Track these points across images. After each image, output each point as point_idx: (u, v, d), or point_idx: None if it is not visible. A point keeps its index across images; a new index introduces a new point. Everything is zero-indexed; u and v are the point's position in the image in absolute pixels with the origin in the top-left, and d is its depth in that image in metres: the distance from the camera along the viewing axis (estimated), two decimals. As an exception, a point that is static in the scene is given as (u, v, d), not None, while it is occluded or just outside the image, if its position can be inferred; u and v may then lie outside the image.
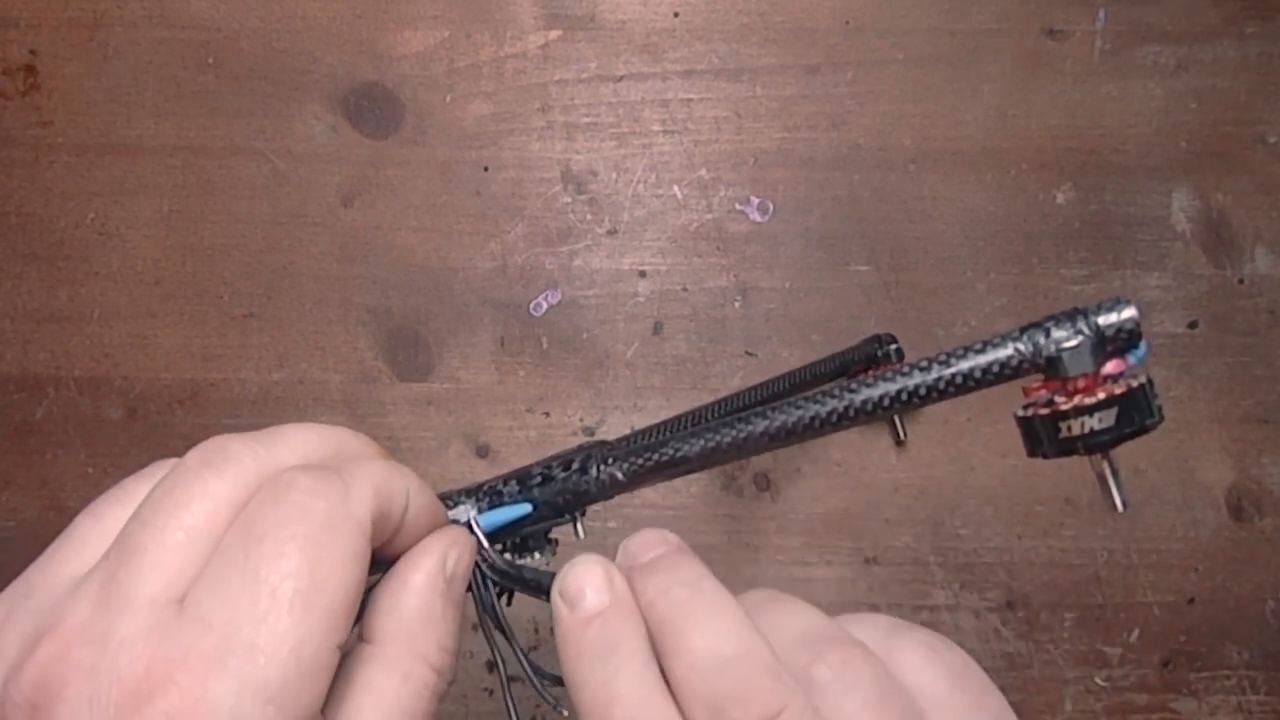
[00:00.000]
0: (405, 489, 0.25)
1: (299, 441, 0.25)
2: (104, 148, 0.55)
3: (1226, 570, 0.53)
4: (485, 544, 0.28)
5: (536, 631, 0.52)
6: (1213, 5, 0.55)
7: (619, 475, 0.28)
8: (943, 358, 0.25)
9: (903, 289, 0.54)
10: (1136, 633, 0.52)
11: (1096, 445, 0.24)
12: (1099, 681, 0.52)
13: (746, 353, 0.54)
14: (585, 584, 0.25)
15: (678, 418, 0.42)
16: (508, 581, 0.28)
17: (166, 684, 0.20)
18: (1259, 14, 0.54)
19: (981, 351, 0.25)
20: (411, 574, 0.25)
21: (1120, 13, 0.54)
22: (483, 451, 0.53)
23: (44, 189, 0.54)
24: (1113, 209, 0.54)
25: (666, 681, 0.23)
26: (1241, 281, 0.54)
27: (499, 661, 0.28)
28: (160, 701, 0.20)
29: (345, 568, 0.22)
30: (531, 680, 0.27)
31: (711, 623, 0.23)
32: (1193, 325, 0.54)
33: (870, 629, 0.25)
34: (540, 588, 0.27)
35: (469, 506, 0.28)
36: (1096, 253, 0.54)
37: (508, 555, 0.29)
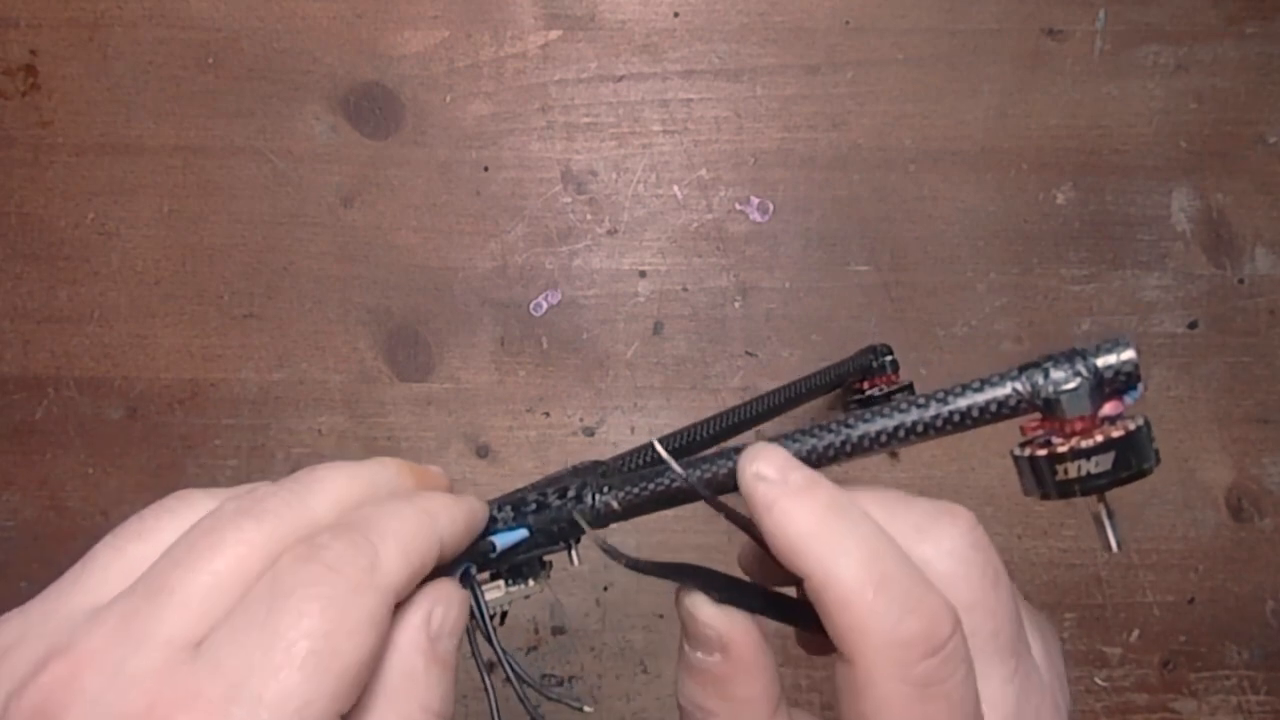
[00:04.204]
0: (438, 538, 0.25)
1: (333, 489, 0.25)
2: (104, 148, 0.55)
3: (1226, 570, 0.53)
4: (481, 598, 0.28)
5: (536, 632, 0.52)
6: (1213, 5, 0.55)
7: (614, 505, 0.28)
8: (940, 394, 0.25)
9: (903, 289, 0.54)
10: (1136, 633, 0.52)
11: (1093, 488, 0.24)
12: (1099, 681, 0.52)
13: (746, 353, 0.54)
14: (783, 462, 0.25)
15: (672, 436, 0.41)
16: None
17: None
18: (1259, 14, 0.54)
19: (980, 390, 0.25)
20: (392, 634, 0.24)
21: (1120, 13, 0.54)
22: (483, 451, 0.53)
23: (44, 189, 0.54)
24: (1113, 209, 0.54)
25: None
26: (1241, 281, 0.54)
27: (505, 665, 0.28)
28: None
29: (362, 635, 0.22)
30: (519, 692, 0.27)
31: (863, 488, 0.25)
32: (1193, 325, 0.54)
33: (900, 510, 0.26)
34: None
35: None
36: (1096, 253, 0.54)
37: (501, 582, 0.29)
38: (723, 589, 0.26)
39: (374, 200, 0.54)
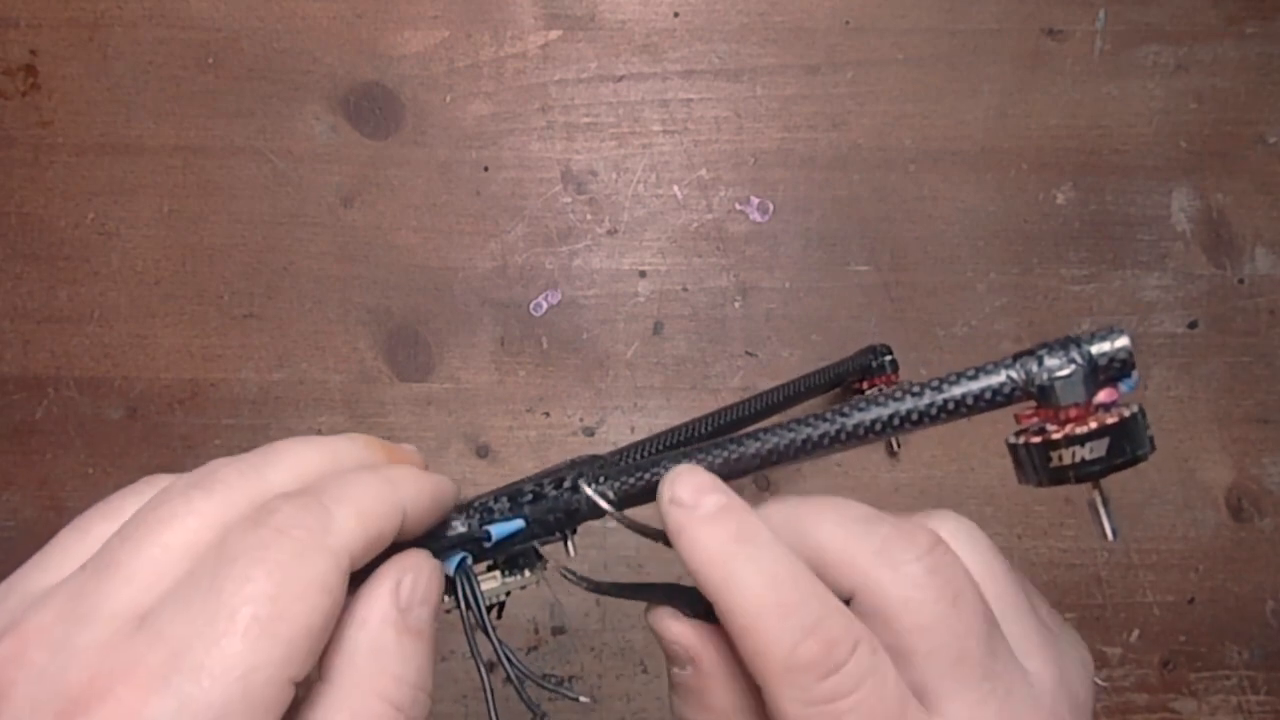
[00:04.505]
0: (399, 505, 0.24)
1: (293, 461, 0.24)
2: (104, 148, 0.55)
3: (1226, 570, 0.53)
4: (474, 583, 0.27)
5: (536, 632, 0.52)
6: (1213, 5, 0.55)
7: (610, 495, 0.28)
8: (935, 383, 0.26)
9: (903, 289, 0.54)
10: (1136, 633, 0.52)
11: (1087, 475, 0.24)
12: (1099, 682, 0.52)
13: (746, 353, 0.54)
14: (700, 486, 0.25)
15: (671, 431, 0.41)
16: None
17: (106, 695, 0.20)
18: (1259, 14, 0.54)
19: (974, 378, 0.25)
20: (360, 607, 0.23)
21: (1120, 13, 0.54)
22: (483, 451, 0.53)
23: (44, 189, 0.54)
24: (1113, 209, 0.54)
25: None
26: (1241, 281, 0.54)
27: (501, 657, 0.28)
28: (97, 712, 0.19)
29: (311, 599, 0.21)
30: (518, 689, 0.27)
31: (827, 507, 0.25)
32: (1193, 325, 0.54)
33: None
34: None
35: (460, 521, 0.28)
36: (1096, 253, 0.54)
37: (498, 573, 0.29)
38: (690, 603, 0.26)
39: (374, 200, 0.54)
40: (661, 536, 0.26)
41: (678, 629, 0.26)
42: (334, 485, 0.24)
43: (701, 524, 0.25)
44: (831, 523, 0.25)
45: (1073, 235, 0.54)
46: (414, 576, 0.24)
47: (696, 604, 0.26)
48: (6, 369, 0.54)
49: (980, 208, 0.54)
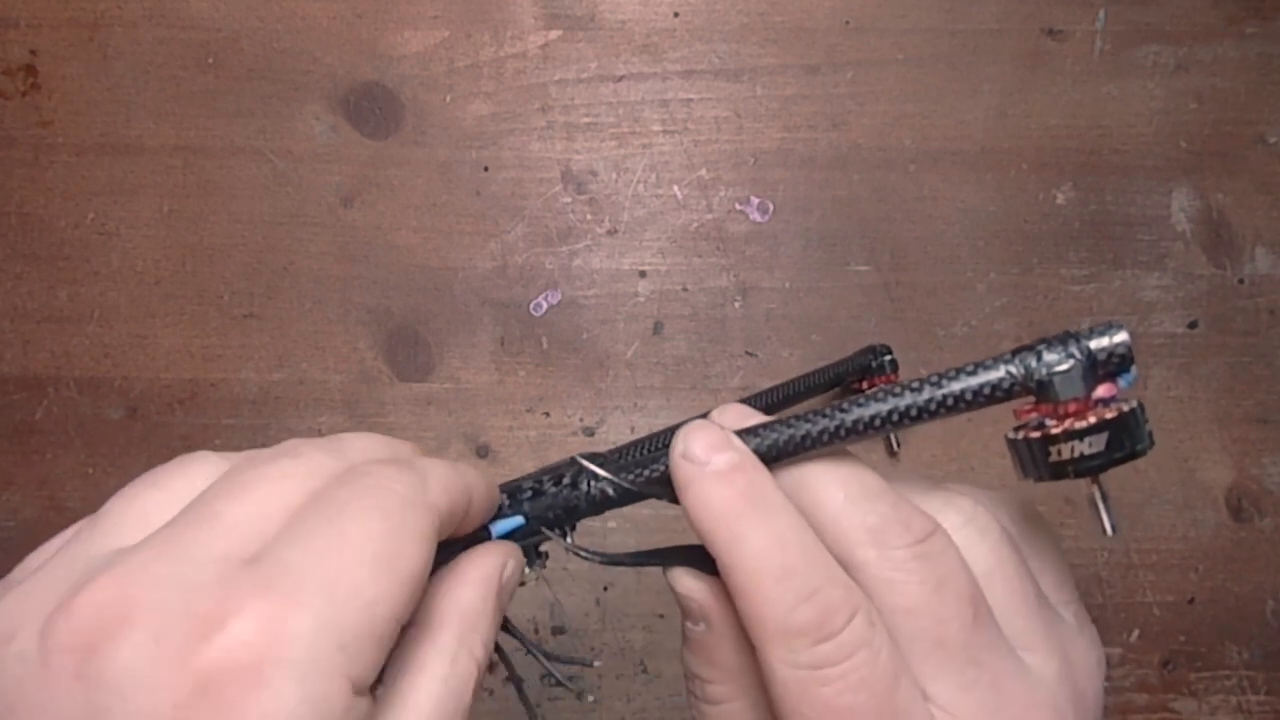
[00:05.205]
0: (469, 489, 0.25)
1: (364, 446, 0.25)
2: (104, 148, 0.55)
3: (1226, 570, 0.53)
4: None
5: (536, 632, 0.52)
6: (1213, 5, 0.55)
7: (610, 491, 0.28)
8: (934, 378, 0.26)
9: (903, 289, 0.54)
10: (1136, 633, 0.52)
11: (1087, 470, 0.24)
12: (1099, 681, 0.52)
13: (747, 353, 0.54)
14: (713, 442, 0.25)
15: (672, 429, 0.41)
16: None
17: (241, 611, 0.19)
18: (1259, 14, 0.54)
19: (973, 373, 0.25)
20: (473, 569, 0.25)
21: (1120, 13, 0.54)
22: (483, 451, 0.53)
23: (44, 189, 0.54)
24: (1113, 209, 0.54)
25: None
26: (1241, 281, 0.54)
27: (522, 643, 0.29)
28: (233, 625, 0.19)
29: (418, 546, 0.22)
30: (547, 668, 0.28)
31: (838, 472, 0.25)
32: (1193, 325, 0.54)
33: (911, 495, 0.27)
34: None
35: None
36: (1096, 253, 0.54)
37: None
38: (705, 562, 0.26)
39: (374, 200, 0.54)
40: (663, 494, 0.27)
41: (692, 584, 0.27)
42: (416, 459, 0.25)
43: (711, 480, 0.25)
44: (836, 490, 0.25)
45: (1073, 235, 0.54)
46: (515, 564, 0.26)
47: (711, 564, 0.26)
48: (6, 369, 0.54)
49: (980, 208, 0.54)
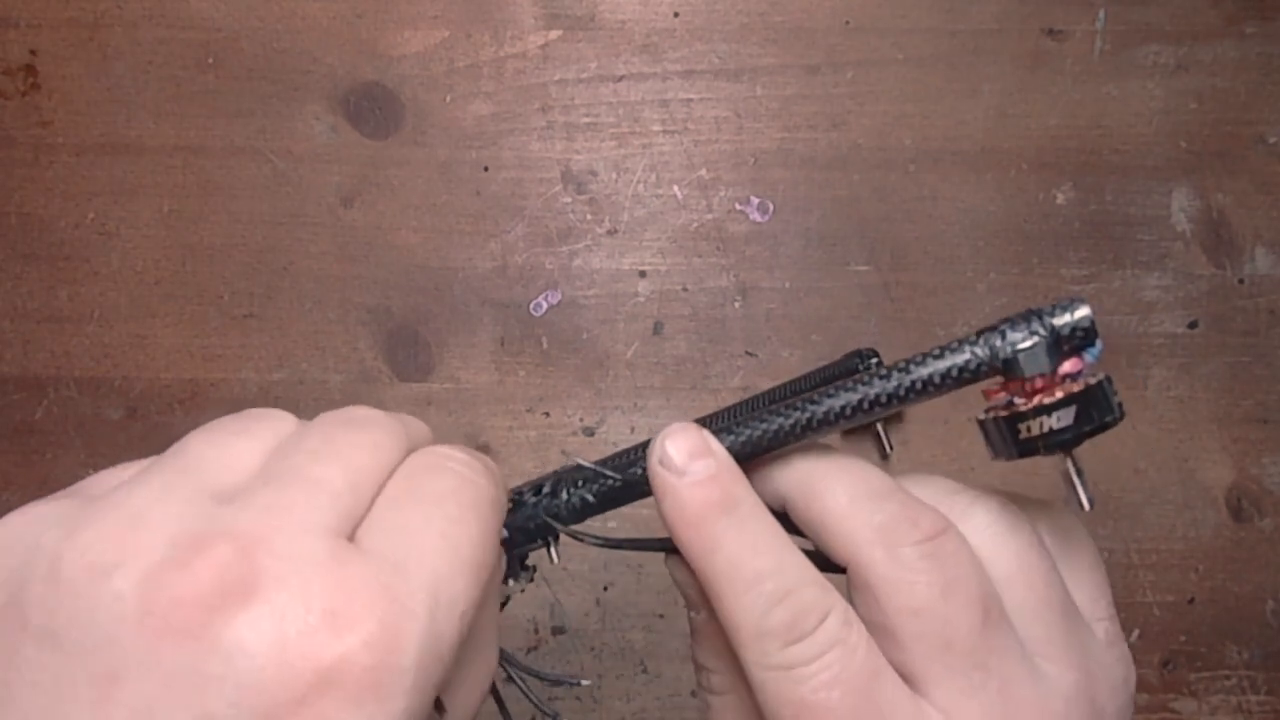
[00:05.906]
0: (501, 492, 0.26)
1: (417, 428, 0.26)
2: (104, 148, 0.55)
3: (1226, 570, 0.53)
4: None
5: (536, 632, 0.52)
6: (1213, 5, 0.55)
7: (589, 498, 0.28)
8: (903, 364, 0.26)
9: (903, 289, 0.54)
10: (1136, 633, 0.52)
11: (1057, 445, 0.24)
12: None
13: (747, 353, 0.54)
14: (691, 450, 0.25)
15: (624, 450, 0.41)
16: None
17: (370, 612, 0.19)
18: (1259, 14, 0.54)
19: (940, 357, 0.25)
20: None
21: (1120, 13, 0.54)
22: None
23: (44, 189, 0.54)
24: (1113, 209, 0.54)
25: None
26: (1241, 281, 0.54)
27: (505, 666, 0.28)
28: (362, 628, 0.19)
29: (496, 552, 0.23)
30: (522, 688, 0.27)
31: (842, 472, 0.25)
32: (1193, 325, 0.54)
33: (937, 494, 0.26)
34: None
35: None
36: (1096, 253, 0.54)
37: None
38: None
39: (374, 200, 0.54)
40: (635, 492, 0.27)
41: (686, 575, 0.27)
42: (471, 451, 0.26)
43: (685, 489, 0.25)
44: (841, 489, 0.25)
45: (1073, 235, 0.54)
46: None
47: None
48: (6, 369, 0.54)
49: (980, 208, 0.54)
